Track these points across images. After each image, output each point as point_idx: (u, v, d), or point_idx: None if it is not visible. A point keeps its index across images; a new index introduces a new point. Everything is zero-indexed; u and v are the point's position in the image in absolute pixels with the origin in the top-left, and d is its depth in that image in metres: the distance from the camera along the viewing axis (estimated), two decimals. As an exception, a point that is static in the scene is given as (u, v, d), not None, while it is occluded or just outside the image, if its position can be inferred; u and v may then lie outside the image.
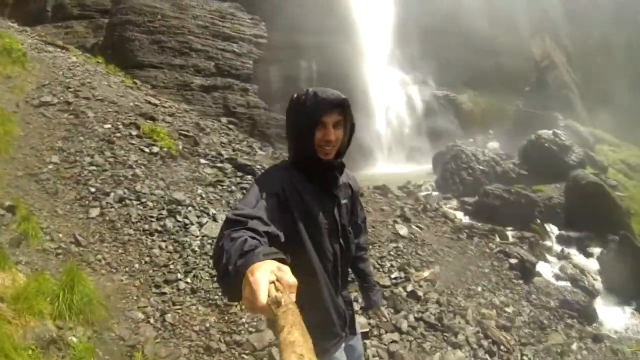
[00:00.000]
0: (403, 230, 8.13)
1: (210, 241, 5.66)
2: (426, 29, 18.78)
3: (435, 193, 13.44)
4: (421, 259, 7.22)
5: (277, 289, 1.09)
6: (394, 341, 4.74)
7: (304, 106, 1.88)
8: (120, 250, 4.94)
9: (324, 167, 1.97)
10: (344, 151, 2.05)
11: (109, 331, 3.72)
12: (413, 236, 8.07)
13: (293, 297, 1.10)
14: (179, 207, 6.08)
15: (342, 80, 16.50)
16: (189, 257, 5.18)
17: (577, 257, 10.18)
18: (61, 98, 7.90)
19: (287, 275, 1.13)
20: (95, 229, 5.13)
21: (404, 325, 5.12)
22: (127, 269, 4.68)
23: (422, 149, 16.96)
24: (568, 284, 8.90)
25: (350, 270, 2.26)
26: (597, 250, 10.21)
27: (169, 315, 4.19)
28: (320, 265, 1.94)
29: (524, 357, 5.19)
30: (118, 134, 7.45)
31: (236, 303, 4.60)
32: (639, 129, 17.50)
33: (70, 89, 8.40)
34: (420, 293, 5.92)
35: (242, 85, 14.83)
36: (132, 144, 7.39)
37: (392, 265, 6.59)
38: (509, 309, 6.57)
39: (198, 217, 6.12)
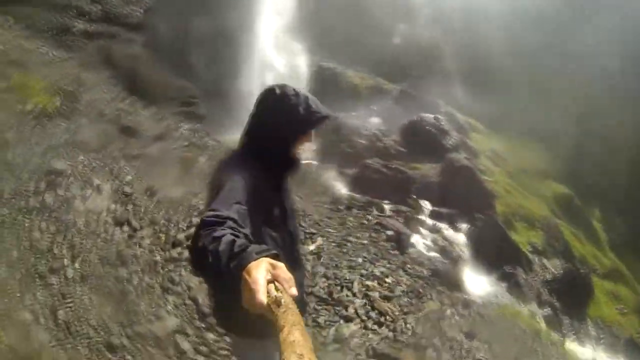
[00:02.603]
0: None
1: (95, 217, 5.22)
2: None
3: (314, 162, 13.43)
4: (304, 231, 7.41)
5: (277, 289, 1.11)
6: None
7: (296, 113, 1.94)
8: (-6, 238, 4.13)
9: (295, 166, 2.10)
10: None
11: (-2, 342, 3.18)
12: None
13: (294, 290, 1.12)
14: (59, 179, 5.48)
15: (234, 38, 15.96)
16: (75, 239, 4.68)
17: (447, 231, 11.11)
18: None
19: (283, 271, 1.16)
20: (-39, 216, 4.23)
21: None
22: (4, 259, 4.07)
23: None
24: (439, 255, 9.71)
25: None
26: (465, 226, 11.25)
27: (60, 312, 3.79)
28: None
29: (408, 325, 5.62)
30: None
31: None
32: (510, 121, 19.34)
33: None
34: (307, 267, 6.11)
35: (129, 36, 13.43)
36: (1, 99, 6.44)
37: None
38: (389, 280, 7.04)
39: (82, 189, 5.58)
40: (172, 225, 5.89)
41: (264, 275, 1.12)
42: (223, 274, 1.26)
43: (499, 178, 14.35)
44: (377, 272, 7.29)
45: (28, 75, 7.31)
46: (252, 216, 1.74)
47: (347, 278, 6.38)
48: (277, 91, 1.99)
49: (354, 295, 6.01)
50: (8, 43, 8.39)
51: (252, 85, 17.03)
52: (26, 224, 4.60)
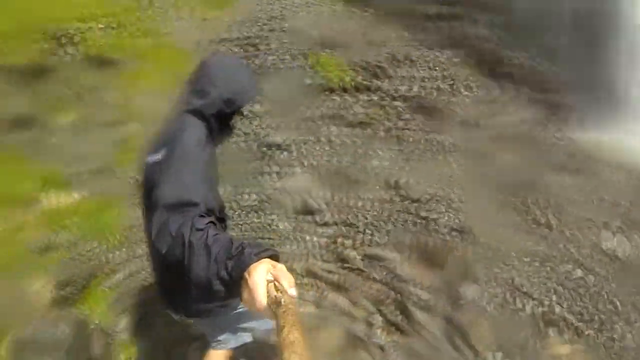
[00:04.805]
0: (612, 243, 4.44)
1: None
2: None
3: None
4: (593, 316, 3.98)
5: (277, 289, 1.13)
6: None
7: (253, 79, 2.23)
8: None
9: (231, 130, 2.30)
10: None
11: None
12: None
13: (294, 291, 1.14)
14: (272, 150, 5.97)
15: (602, 17, 13.26)
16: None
17: None
18: (244, 33, 7.81)
19: (283, 272, 1.18)
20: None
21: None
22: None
23: None
24: None
25: None
26: None
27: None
28: None
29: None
30: (281, 66, 7.19)
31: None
32: None
33: (258, 23, 8.16)
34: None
35: (474, 17, 12.95)
36: (294, 74, 7.16)
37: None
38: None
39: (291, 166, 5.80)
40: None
41: (264, 277, 1.14)
42: (223, 277, 1.29)
43: None
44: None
45: (332, 55, 7.60)
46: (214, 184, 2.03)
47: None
48: (227, 61, 2.26)
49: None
50: (340, 29, 8.80)
51: (630, 78, 13.69)
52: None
